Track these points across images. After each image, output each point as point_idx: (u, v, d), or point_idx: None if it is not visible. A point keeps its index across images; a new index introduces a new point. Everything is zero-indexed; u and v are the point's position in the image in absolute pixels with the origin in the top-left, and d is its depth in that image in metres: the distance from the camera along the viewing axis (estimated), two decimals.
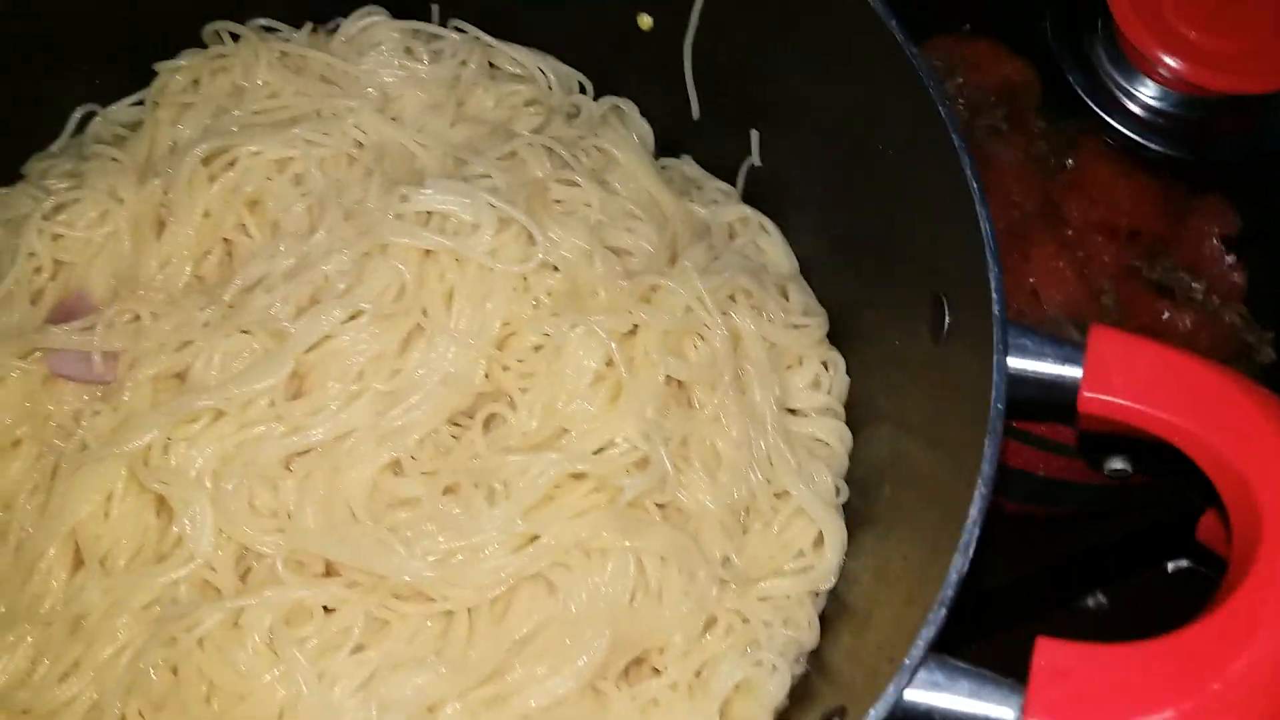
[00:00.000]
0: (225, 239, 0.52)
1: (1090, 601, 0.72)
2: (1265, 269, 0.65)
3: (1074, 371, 0.37)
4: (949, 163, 0.40)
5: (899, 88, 0.44)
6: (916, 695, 0.33)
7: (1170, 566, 0.70)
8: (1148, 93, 0.58)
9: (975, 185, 0.39)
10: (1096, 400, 0.36)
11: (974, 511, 0.34)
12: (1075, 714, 0.31)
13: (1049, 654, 0.32)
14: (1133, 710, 0.30)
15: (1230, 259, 0.65)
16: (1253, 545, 0.32)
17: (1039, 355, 0.38)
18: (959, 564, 0.34)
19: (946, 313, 0.43)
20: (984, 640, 0.52)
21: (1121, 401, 0.36)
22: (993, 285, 0.38)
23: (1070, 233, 0.65)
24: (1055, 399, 0.37)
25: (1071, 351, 0.37)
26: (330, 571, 0.47)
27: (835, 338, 0.55)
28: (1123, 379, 0.36)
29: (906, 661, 0.32)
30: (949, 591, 0.33)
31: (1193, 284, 0.66)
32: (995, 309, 0.37)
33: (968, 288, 0.41)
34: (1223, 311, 0.65)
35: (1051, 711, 0.31)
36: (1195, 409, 0.35)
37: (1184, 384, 0.35)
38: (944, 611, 0.33)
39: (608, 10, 0.57)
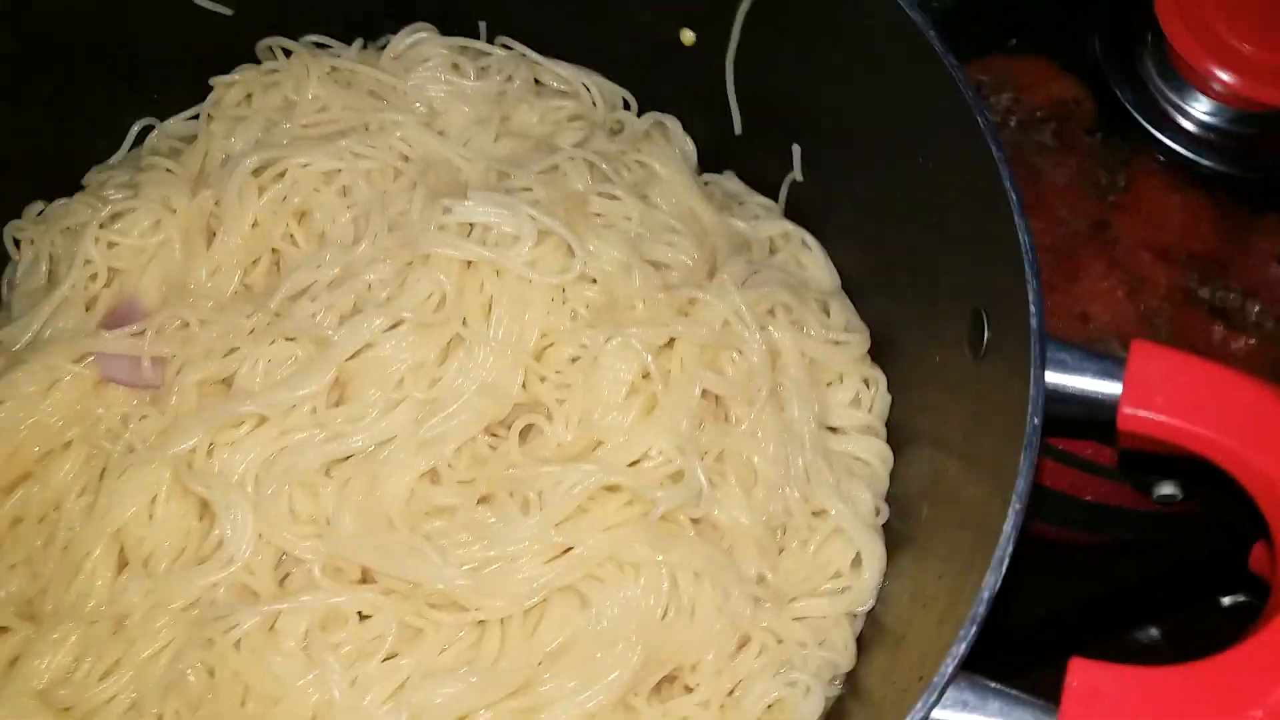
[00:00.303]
0: (273, 248, 0.53)
1: (1141, 635, 0.70)
2: None
3: (1114, 387, 0.36)
4: (989, 174, 0.40)
5: (938, 100, 0.43)
6: (946, 714, 0.32)
7: (1226, 600, 0.68)
8: (1201, 108, 0.57)
9: (1014, 196, 0.38)
10: (1137, 417, 0.35)
11: (1008, 527, 0.34)
12: None
13: (1082, 675, 0.31)
14: None
15: None
16: None
17: (1078, 370, 0.37)
18: (991, 581, 0.33)
19: (986, 329, 0.43)
20: (1030, 671, 0.51)
21: (1163, 418, 0.35)
22: (1030, 298, 0.37)
23: (1121, 253, 0.64)
24: (1095, 415, 0.36)
25: (1112, 367, 0.36)
26: (366, 578, 0.47)
27: (876, 355, 0.55)
28: (1164, 395, 0.35)
29: (935, 679, 0.32)
30: (980, 609, 0.32)
31: (1250, 306, 0.64)
32: (1033, 322, 0.37)
33: (1007, 303, 0.40)
34: None
35: None
36: (1239, 427, 0.34)
37: (1228, 401, 0.34)
38: (974, 629, 0.32)
39: (651, 26, 0.58)
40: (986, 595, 0.33)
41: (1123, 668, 0.32)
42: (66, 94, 0.57)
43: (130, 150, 0.59)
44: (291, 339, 0.49)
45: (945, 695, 0.32)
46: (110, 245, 0.53)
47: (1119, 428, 0.36)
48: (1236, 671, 0.30)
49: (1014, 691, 0.32)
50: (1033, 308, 0.37)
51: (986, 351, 0.43)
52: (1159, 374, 0.35)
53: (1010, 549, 0.33)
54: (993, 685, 0.32)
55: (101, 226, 0.53)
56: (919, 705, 0.32)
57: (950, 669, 0.32)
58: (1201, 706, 0.30)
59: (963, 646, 0.32)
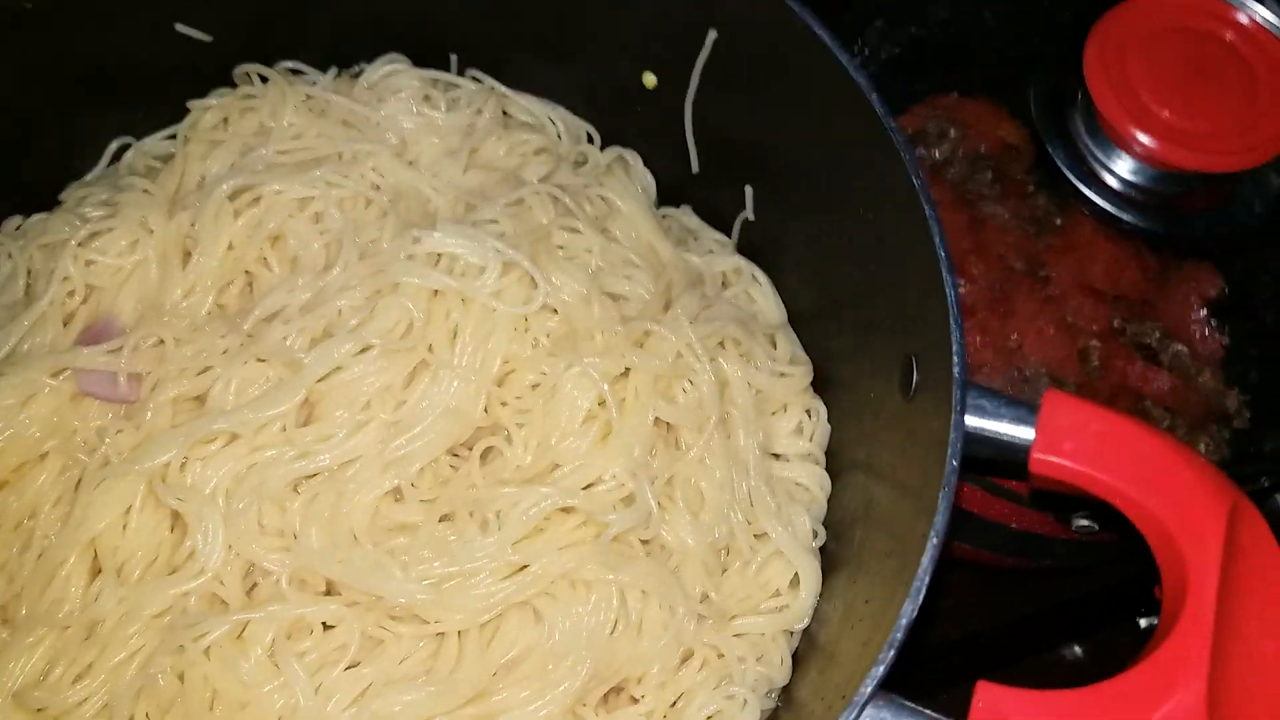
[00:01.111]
0: (247, 271, 0.55)
1: (1065, 653, 0.74)
2: (1244, 335, 0.67)
3: (1027, 433, 0.40)
4: (922, 233, 0.43)
5: (878, 158, 0.47)
6: None
7: (1143, 622, 0.72)
8: (1124, 167, 0.61)
9: (943, 255, 0.42)
10: (1046, 461, 0.39)
11: (925, 560, 0.37)
12: None
13: (988, 698, 0.35)
14: None
15: (1211, 324, 0.67)
16: (1179, 604, 0.35)
17: (995, 416, 0.40)
18: (909, 610, 0.36)
19: (915, 371, 0.46)
20: (957, 685, 0.54)
21: (1069, 464, 0.38)
22: (954, 350, 0.41)
23: (1055, 292, 0.68)
24: (1009, 458, 0.40)
25: (1026, 414, 0.40)
26: (331, 590, 0.50)
27: (818, 387, 0.58)
28: (1072, 443, 0.38)
29: (855, 698, 0.35)
30: (898, 635, 0.36)
31: (1174, 346, 0.68)
32: (955, 371, 0.40)
33: (934, 350, 0.44)
34: (1201, 375, 0.68)
35: None
36: (1136, 475, 0.37)
37: (1127, 451, 0.38)
38: (892, 653, 0.35)
39: (616, 67, 0.61)
40: (904, 623, 0.36)
41: (1026, 691, 0.35)
42: (45, 111, 0.58)
43: (107, 167, 0.61)
44: (264, 360, 0.51)
45: (864, 713, 0.35)
46: (88, 263, 0.55)
47: (1030, 470, 0.40)
48: (1130, 692, 0.34)
49: (928, 712, 0.35)
50: (956, 359, 0.40)
51: (915, 392, 0.46)
52: (1068, 423, 0.39)
53: (927, 580, 0.37)
54: (909, 705, 0.35)
55: (80, 244, 0.55)
56: None
57: (869, 689, 0.35)
58: None
59: (881, 669, 0.35)
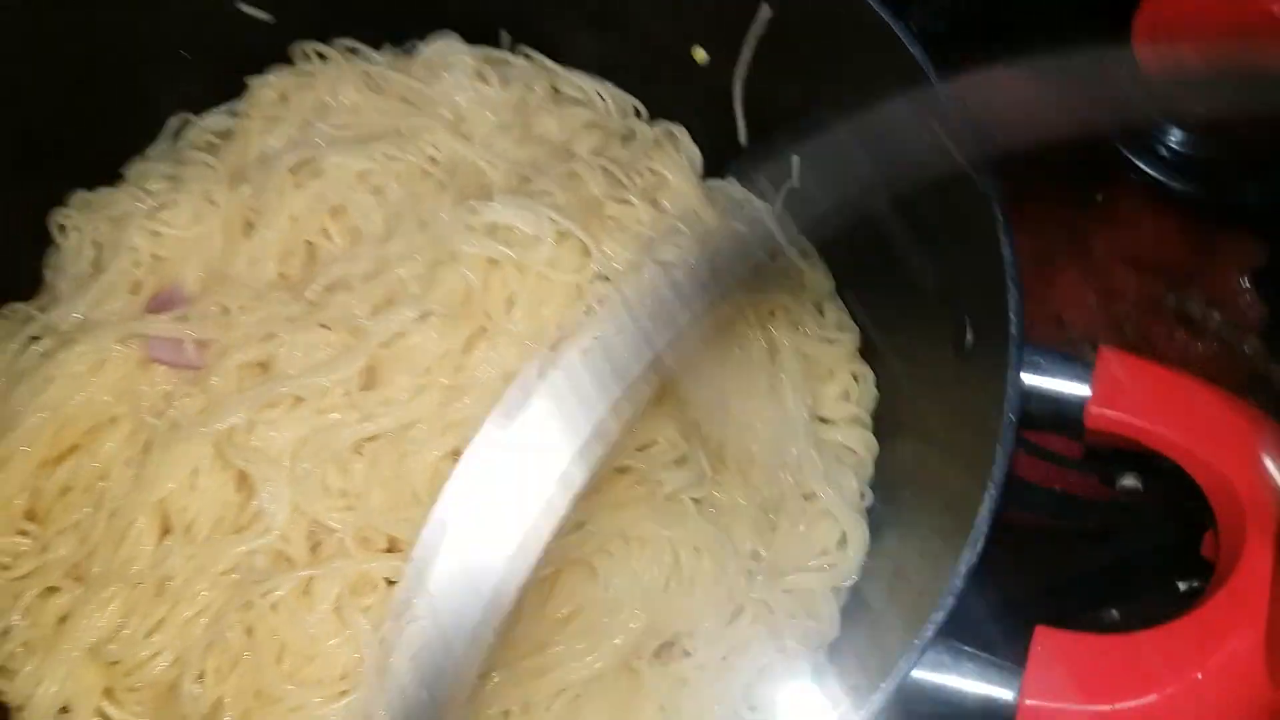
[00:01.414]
0: (308, 241, 0.56)
1: (1104, 615, 0.74)
2: None
3: (1083, 389, 0.40)
4: (979, 199, 0.44)
5: (932, 130, 0.47)
6: (924, 674, 0.36)
7: (1181, 585, 0.73)
8: (1175, 135, 0.61)
9: (1000, 218, 0.42)
10: (1102, 416, 0.40)
11: (984, 511, 0.38)
12: (1068, 695, 0.34)
13: (1046, 641, 0.36)
14: (1121, 694, 0.34)
15: (1254, 294, 0.68)
16: (1237, 548, 0.35)
17: (1051, 372, 0.41)
18: (968, 558, 0.37)
19: (969, 333, 0.47)
20: (999, 647, 0.55)
21: (1125, 417, 0.39)
22: (1011, 308, 0.41)
23: (1095, 262, 0.69)
24: (1065, 414, 0.41)
25: (1081, 370, 0.41)
26: (393, 548, 0.51)
27: (865, 353, 0.59)
28: (1127, 397, 0.39)
29: (916, 641, 0.36)
30: (958, 581, 0.37)
31: (1216, 316, 0.69)
32: (1013, 329, 0.41)
33: (989, 311, 0.44)
34: (1240, 343, 0.68)
35: (1046, 693, 0.35)
36: (1191, 426, 0.38)
37: (1182, 403, 0.39)
38: (952, 599, 0.36)
39: (665, 43, 0.61)
40: (964, 570, 0.37)
41: (1081, 634, 0.36)
42: (108, 87, 0.60)
43: (168, 143, 0.63)
44: (327, 327, 0.53)
45: (925, 656, 0.36)
46: (155, 234, 0.56)
47: (1086, 425, 0.41)
48: (1181, 639, 0.35)
49: (985, 654, 0.36)
50: (1013, 317, 0.41)
51: (969, 353, 0.47)
52: (1124, 378, 0.40)
53: (986, 529, 0.38)
54: (966, 649, 0.36)
55: (147, 217, 0.56)
56: (901, 664, 0.36)
57: (930, 634, 0.36)
58: (1150, 669, 0.34)
59: (943, 614, 0.36)
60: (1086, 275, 0.69)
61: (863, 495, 0.56)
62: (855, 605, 0.54)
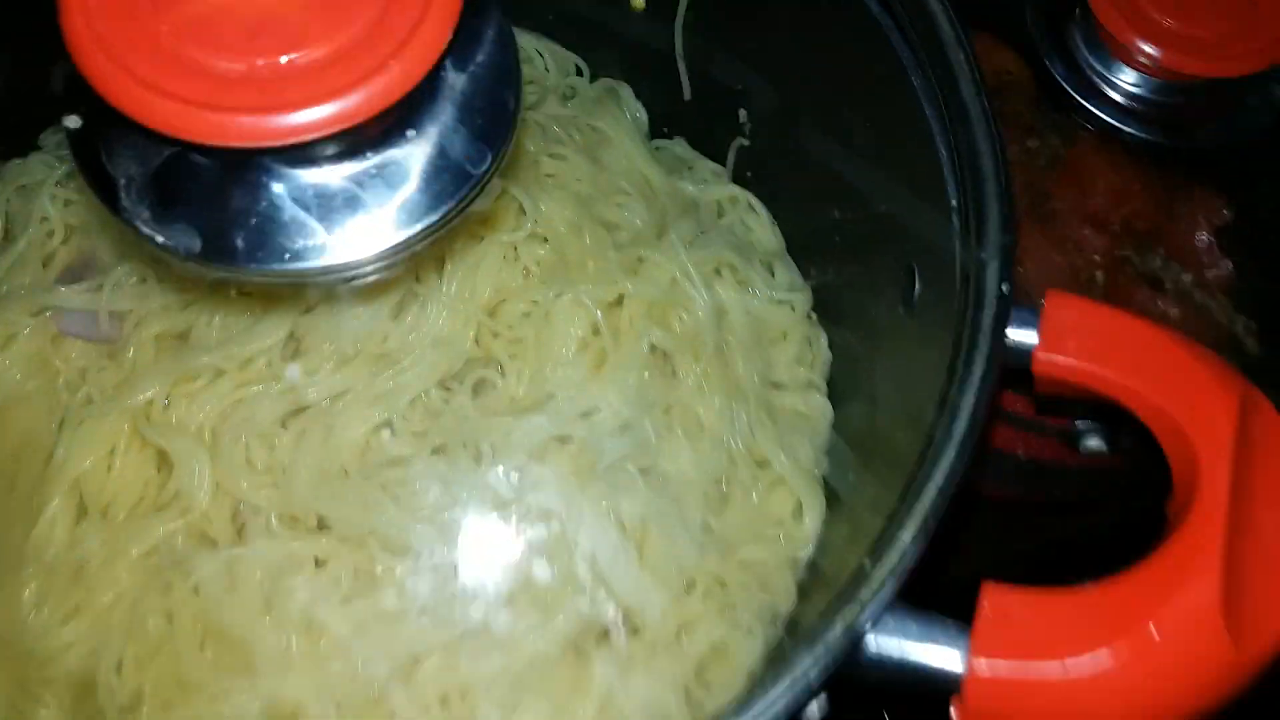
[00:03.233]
0: None
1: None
2: (1252, 261, 0.66)
3: (1030, 336, 0.38)
4: (923, 133, 0.42)
5: (879, 66, 0.45)
6: (869, 641, 0.34)
7: None
8: (1127, 79, 0.60)
9: (944, 154, 0.40)
10: (1050, 362, 0.38)
11: (944, 463, 0.35)
12: (1017, 653, 0.32)
13: (994, 597, 0.34)
14: (1071, 649, 0.32)
15: (1219, 252, 0.66)
16: (1189, 496, 0.33)
17: None
18: (913, 522, 0.35)
19: (917, 282, 0.45)
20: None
21: (1074, 362, 0.37)
22: (956, 248, 0.39)
23: (1059, 222, 0.67)
24: (1013, 363, 0.39)
25: (1028, 316, 0.39)
26: (322, 526, 0.49)
27: (818, 315, 0.57)
28: (1076, 341, 0.37)
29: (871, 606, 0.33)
30: (907, 536, 0.34)
31: (1181, 275, 0.67)
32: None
33: (937, 258, 0.42)
34: (1210, 303, 0.66)
35: (995, 651, 0.33)
36: (1142, 369, 0.36)
37: (1133, 346, 0.37)
38: (906, 565, 0.34)
39: None
40: (907, 538, 0.34)
41: (1031, 590, 0.34)
42: (24, 59, 0.57)
43: None
44: (248, 294, 0.50)
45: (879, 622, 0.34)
46: (67, 203, 0.53)
47: (1034, 372, 0.38)
48: (1133, 591, 0.33)
49: (931, 613, 0.34)
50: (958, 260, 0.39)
51: (918, 306, 0.45)
52: (1072, 322, 0.38)
53: (938, 490, 0.35)
54: (912, 610, 0.34)
55: (58, 184, 0.53)
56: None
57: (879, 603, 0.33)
58: (1101, 622, 0.32)
59: (893, 580, 0.34)
60: (1049, 235, 0.67)
61: (818, 462, 0.54)
62: (810, 577, 0.52)
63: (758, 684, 0.32)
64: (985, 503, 0.69)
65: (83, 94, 0.33)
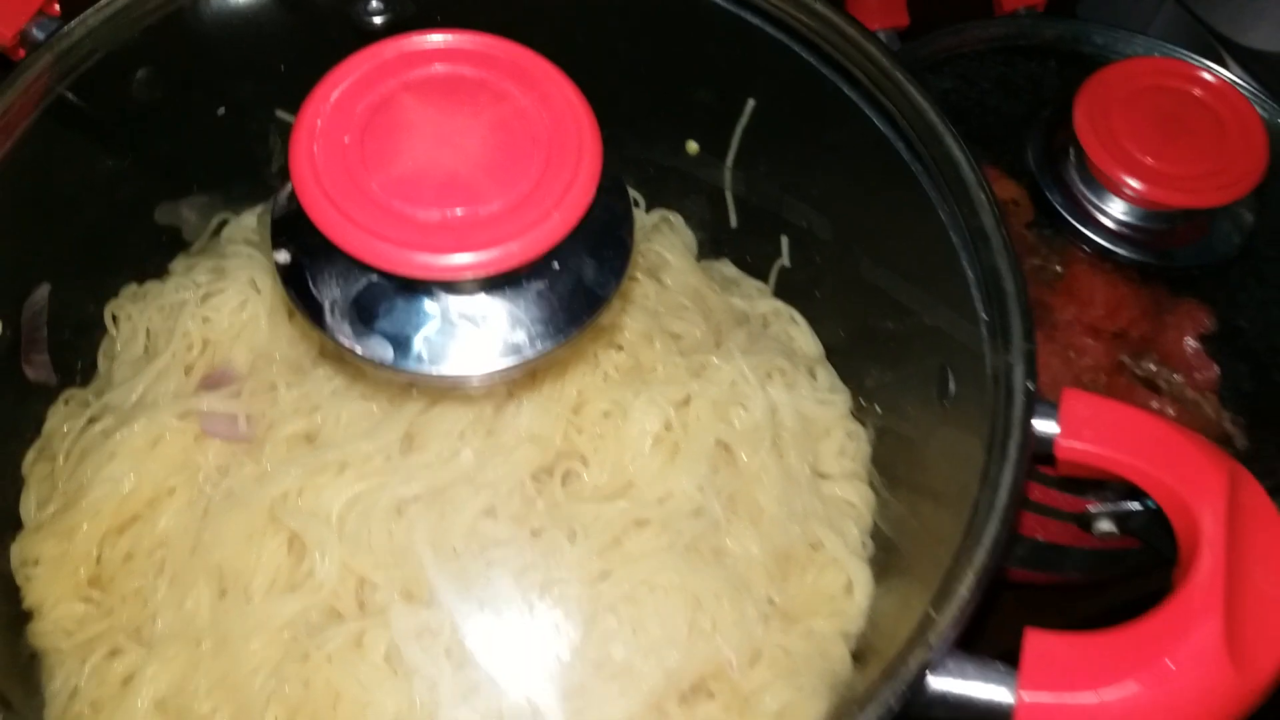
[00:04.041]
0: None
1: None
2: (1236, 364, 0.74)
3: (1051, 426, 0.46)
4: (951, 257, 0.50)
5: (910, 201, 0.54)
6: (934, 681, 0.41)
7: None
8: (1116, 209, 0.69)
9: (971, 274, 0.49)
10: (1070, 448, 0.45)
11: (991, 528, 0.42)
12: (1059, 686, 0.39)
13: (1036, 642, 0.40)
14: (1103, 681, 0.39)
15: (1205, 357, 0.74)
16: (1192, 554, 0.40)
17: None
18: (981, 557, 0.41)
19: (951, 382, 0.53)
20: None
21: (1090, 448, 0.45)
22: (986, 353, 0.47)
23: (1059, 330, 0.75)
24: (1038, 449, 0.46)
25: (1049, 409, 0.46)
26: (433, 602, 0.55)
27: (857, 412, 0.64)
28: (1091, 430, 0.45)
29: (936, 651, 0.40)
30: (966, 585, 0.41)
31: (1173, 377, 0.75)
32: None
33: (968, 361, 0.50)
34: (1201, 403, 0.74)
35: (1040, 685, 0.39)
36: (1147, 451, 0.43)
37: (1139, 433, 0.44)
38: (958, 611, 0.40)
39: (660, 139, 0.68)
40: (976, 571, 0.41)
41: (1068, 634, 0.41)
42: (158, 193, 0.66)
43: (209, 239, 0.69)
44: (368, 399, 0.58)
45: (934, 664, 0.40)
46: (204, 320, 0.61)
47: (1057, 456, 0.46)
48: (1153, 633, 0.39)
49: (984, 658, 0.41)
50: (988, 358, 0.47)
51: (953, 401, 0.53)
52: (1086, 414, 0.45)
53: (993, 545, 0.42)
54: (968, 656, 0.41)
55: (198, 305, 0.61)
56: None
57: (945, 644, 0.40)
58: (1127, 659, 0.39)
59: (954, 625, 0.40)
60: (1051, 342, 0.75)
61: (864, 544, 0.61)
62: (865, 645, 0.59)
63: (845, 713, 0.39)
64: (1008, 585, 0.76)
65: (291, 235, 0.41)
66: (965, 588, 0.41)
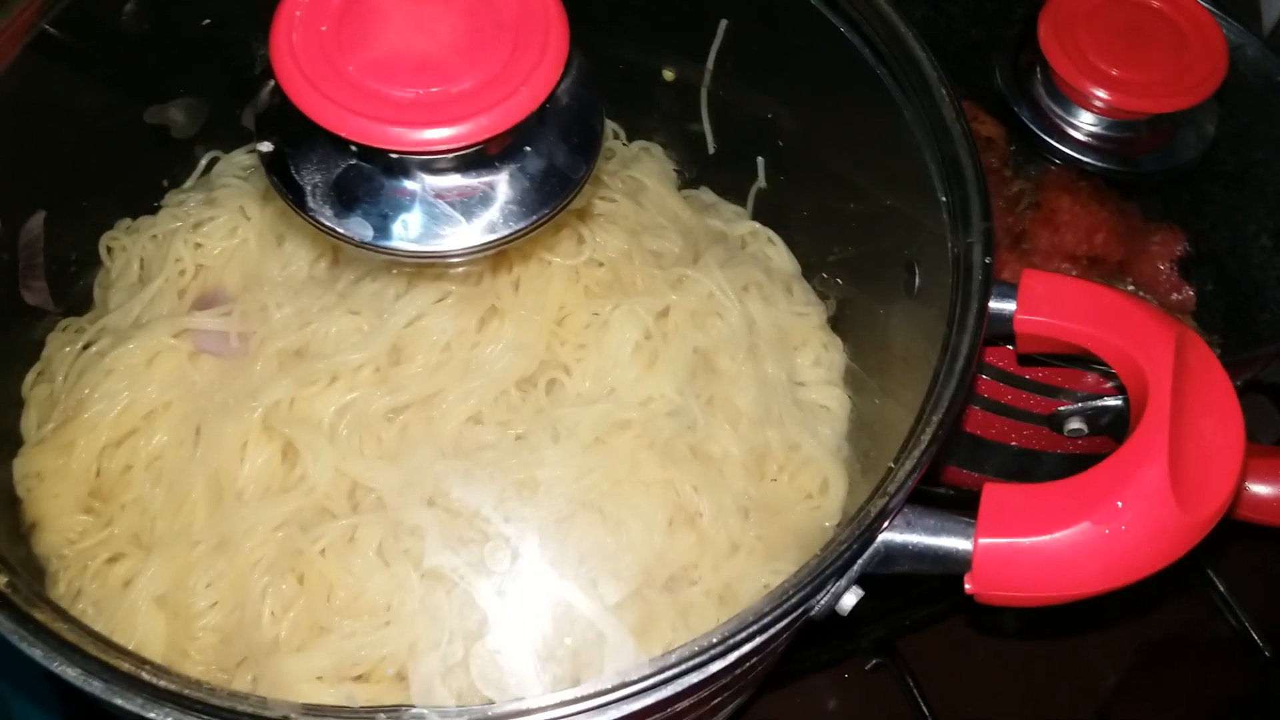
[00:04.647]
0: (335, 246, 0.63)
1: None
2: (1211, 284, 0.76)
3: (1010, 305, 0.48)
4: (915, 152, 0.52)
5: (877, 105, 0.56)
6: (893, 535, 0.43)
7: None
8: (1084, 120, 0.71)
9: (933, 166, 0.51)
10: (1027, 321, 0.47)
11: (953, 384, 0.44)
12: (1014, 532, 0.41)
13: (993, 494, 0.42)
14: (1057, 525, 0.41)
15: (1180, 280, 0.76)
16: (1141, 408, 0.42)
17: None
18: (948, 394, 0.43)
19: (917, 275, 0.55)
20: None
21: (1046, 320, 0.47)
22: (948, 241, 0.49)
23: (1036, 258, 0.77)
24: (997, 329, 0.48)
25: (1009, 289, 0.48)
26: (425, 501, 0.57)
27: (832, 324, 0.66)
28: (1047, 305, 0.47)
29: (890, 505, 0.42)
30: (925, 438, 0.43)
31: (1148, 299, 0.77)
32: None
33: (933, 250, 0.52)
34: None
35: (997, 532, 0.41)
36: (1100, 319, 0.45)
37: (1092, 304, 0.46)
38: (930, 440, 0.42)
39: (639, 67, 0.70)
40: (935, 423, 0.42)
41: (1023, 485, 0.43)
42: (148, 132, 0.68)
43: (199, 178, 0.70)
44: (356, 313, 0.60)
45: (894, 520, 0.42)
46: (197, 246, 0.63)
47: (1016, 331, 0.48)
48: (1103, 478, 0.41)
49: (942, 511, 0.43)
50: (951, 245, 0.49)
51: (919, 293, 0.55)
52: (1042, 290, 0.47)
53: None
54: (926, 509, 0.43)
55: (188, 232, 0.63)
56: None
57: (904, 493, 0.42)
58: (1081, 502, 0.41)
59: (911, 473, 0.42)
60: (1029, 268, 0.77)
61: (839, 447, 0.63)
62: None
63: (814, 555, 0.41)
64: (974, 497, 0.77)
65: (274, 126, 0.43)
66: (924, 440, 0.42)
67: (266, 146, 0.43)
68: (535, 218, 0.44)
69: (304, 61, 0.39)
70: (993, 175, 0.78)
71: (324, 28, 0.41)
